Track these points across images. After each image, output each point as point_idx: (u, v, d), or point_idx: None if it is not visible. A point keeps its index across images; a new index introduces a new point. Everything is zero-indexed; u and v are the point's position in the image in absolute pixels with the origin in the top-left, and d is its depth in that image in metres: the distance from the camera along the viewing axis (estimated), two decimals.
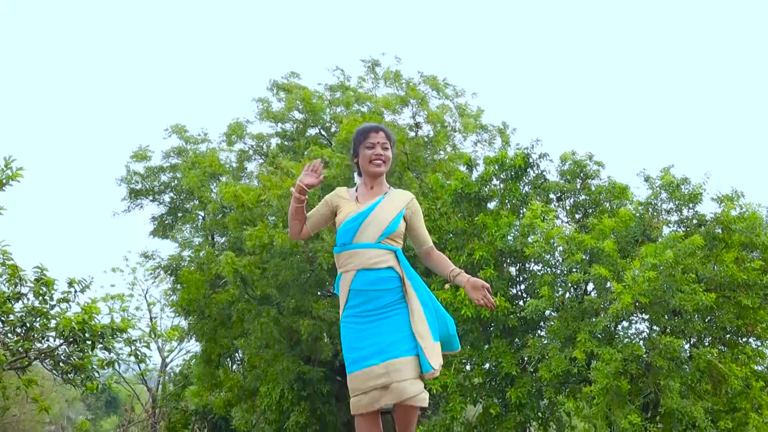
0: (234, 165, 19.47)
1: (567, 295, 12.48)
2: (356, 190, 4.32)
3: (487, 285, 4.15)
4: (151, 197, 21.06)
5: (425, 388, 4.04)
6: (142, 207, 21.37)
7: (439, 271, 4.27)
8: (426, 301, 4.08)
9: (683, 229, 12.71)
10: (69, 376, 7.90)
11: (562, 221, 13.97)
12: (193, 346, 23.57)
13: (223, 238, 19.34)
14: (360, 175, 4.39)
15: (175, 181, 20.52)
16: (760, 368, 12.70)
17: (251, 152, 19.63)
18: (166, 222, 21.50)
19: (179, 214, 21.37)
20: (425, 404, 3.98)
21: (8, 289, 7.74)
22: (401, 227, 4.16)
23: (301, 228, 4.29)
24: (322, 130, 18.71)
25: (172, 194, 21.11)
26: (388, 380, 3.91)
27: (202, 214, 20.34)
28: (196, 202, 19.89)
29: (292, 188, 4.24)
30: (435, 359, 4.03)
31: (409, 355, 3.96)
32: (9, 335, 7.83)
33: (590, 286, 12.64)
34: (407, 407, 3.96)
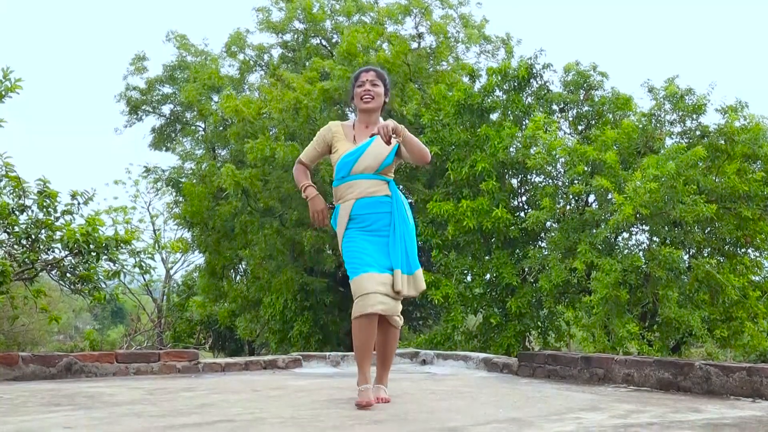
0: (236, 76, 19.27)
1: (568, 206, 12.52)
2: (353, 128, 4.57)
3: (391, 126, 4.22)
4: (150, 107, 20.92)
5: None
6: (142, 120, 21.27)
7: (408, 147, 4.37)
8: (404, 233, 4.35)
9: (686, 140, 12.66)
10: (77, 286, 8.00)
11: (565, 132, 13.91)
12: (197, 257, 23.78)
13: (225, 150, 19.29)
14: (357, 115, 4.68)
15: (174, 89, 20.39)
16: (757, 278, 12.86)
17: (252, 63, 19.41)
18: (166, 133, 21.42)
19: (178, 126, 21.27)
20: (395, 324, 4.34)
21: (12, 200, 7.75)
22: (395, 160, 4.47)
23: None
24: (323, 41, 18.42)
25: (171, 106, 20.97)
26: (382, 290, 4.18)
27: (203, 126, 20.25)
28: (196, 113, 19.77)
29: (305, 195, 4.62)
30: (399, 284, 4.23)
31: (389, 273, 4.24)
32: (15, 246, 7.88)
33: (591, 198, 12.67)
34: (383, 322, 4.31)
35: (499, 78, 13.64)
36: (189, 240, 20.28)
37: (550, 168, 12.52)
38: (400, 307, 4.29)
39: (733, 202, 11.65)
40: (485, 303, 13.22)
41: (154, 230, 23.76)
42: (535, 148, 12.43)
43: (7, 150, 7.83)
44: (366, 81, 4.52)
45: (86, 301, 8.59)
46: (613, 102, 13.43)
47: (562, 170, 12.42)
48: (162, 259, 24.61)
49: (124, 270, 8.34)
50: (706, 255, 12.20)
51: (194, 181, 18.59)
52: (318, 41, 18.45)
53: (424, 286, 4.42)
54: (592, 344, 10.92)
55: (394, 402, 4.35)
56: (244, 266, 19.83)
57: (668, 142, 12.69)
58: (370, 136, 4.42)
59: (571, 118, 14.08)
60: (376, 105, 4.52)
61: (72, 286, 8.12)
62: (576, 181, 11.88)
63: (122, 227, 8.39)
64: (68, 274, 8.03)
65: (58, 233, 7.84)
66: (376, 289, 4.15)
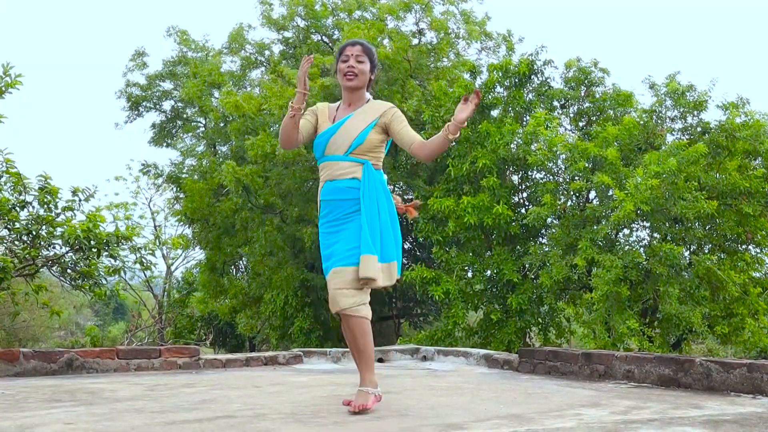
0: (237, 72, 19.28)
1: (569, 202, 12.52)
2: (336, 108, 4.22)
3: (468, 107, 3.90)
4: (151, 104, 20.96)
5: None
6: (142, 116, 21.31)
7: (437, 146, 4.00)
8: (373, 219, 3.98)
9: (687, 136, 12.65)
10: (78, 282, 7.99)
11: (566, 129, 13.92)
12: (198, 254, 23.81)
13: (225, 147, 19.31)
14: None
15: (175, 84, 20.41)
16: (758, 275, 12.86)
17: (253, 59, 19.42)
18: (167, 129, 21.44)
19: (179, 123, 21.29)
20: (360, 314, 3.93)
21: (13, 197, 7.74)
22: (372, 139, 4.07)
23: (297, 137, 4.14)
24: (324, 38, 18.42)
25: (172, 102, 21.00)
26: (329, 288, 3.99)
27: (204, 122, 20.26)
28: (197, 110, 19.80)
29: (292, 102, 4.01)
30: (365, 269, 3.89)
31: (347, 266, 3.93)
32: (16, 243, 7.88)
33: (592, 194, 12.67)
34: (344, 316, 3.96)
35: (500, 74, 13.63)
36: (190, 236, 20.30)
37: (550, 164, 12.52)
38: (344, 299, 3.92)
39: (734, 199, 11.65)
40: (486, 299, 13.22)
41: (155, 226, 23.80)
42: (536, 145, 12.43)
43: (8, 146, 7.84)
44: (351, 56, 4.11)
45: (87, 297, 8.59)
46: (614, 98, 13.43)
47: (563, 167, 12.41)
48: (163, 255, 24.66)
49: (125, 266, 8.34)
50: (706, 251, 12.20)
51: (195, 177, 18.60)
52: (319, 38, 18.45)
53: (395, 279, 4.07)
54: (593, 341, 10.92)
55: (395, 398, 4.35)
56: (244, 262, 19.85)
57: (669, 138, 12.69)
58: (349, 114, 4.11)
59: (572, 115, 14.08)
60: (360, 83, 4.13)
61: (73, 282, 8.12)
62: (577, 178, 11.88)
63: (123, 223, 8.40)
64: (69, 270, 8.02)
65: (59, 229, 7.83)
66: (333, 289, 4.00)
